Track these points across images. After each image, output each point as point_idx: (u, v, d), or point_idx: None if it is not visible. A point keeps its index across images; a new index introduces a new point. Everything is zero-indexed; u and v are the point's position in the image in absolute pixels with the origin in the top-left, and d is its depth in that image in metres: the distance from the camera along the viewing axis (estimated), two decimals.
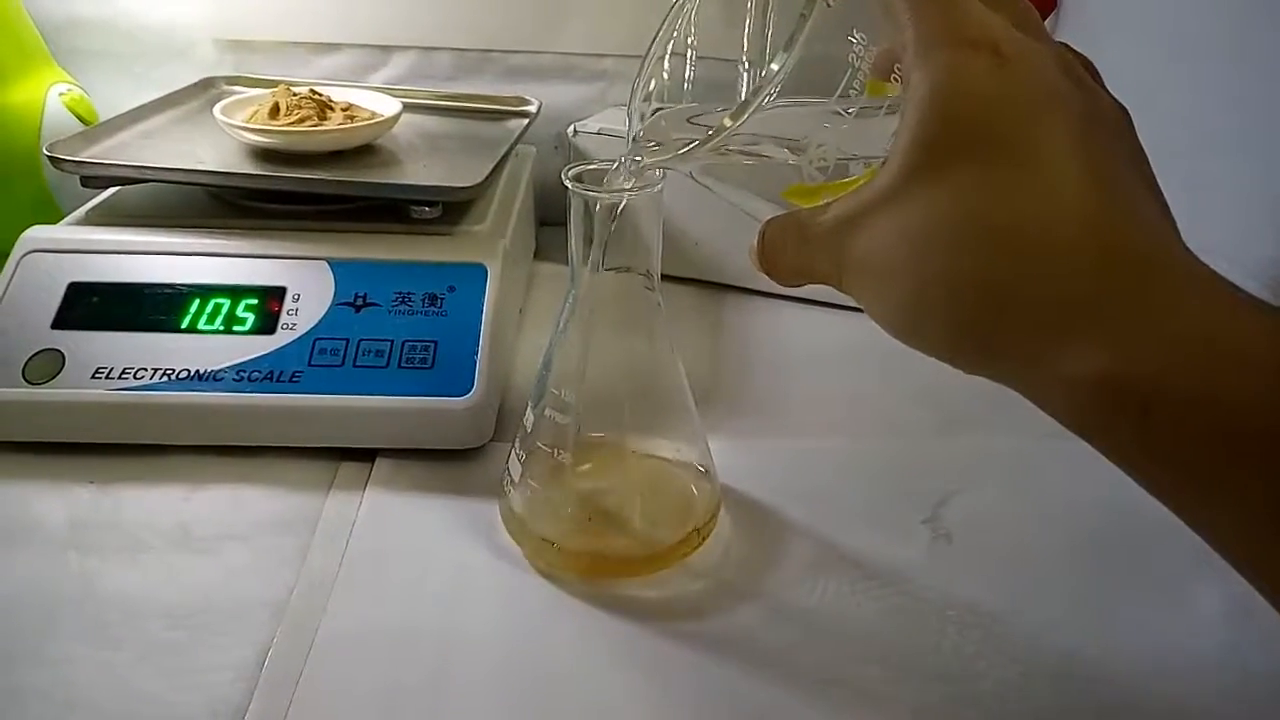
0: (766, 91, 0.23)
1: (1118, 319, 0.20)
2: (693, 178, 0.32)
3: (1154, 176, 0.23)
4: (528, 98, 0.63)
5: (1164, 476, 0.21)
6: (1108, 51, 0.51)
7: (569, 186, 0.34)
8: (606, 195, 0.34)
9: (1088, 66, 0.24)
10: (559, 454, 0.37)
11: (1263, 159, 0.40)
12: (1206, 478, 0.20)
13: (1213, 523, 0.21)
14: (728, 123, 0.24)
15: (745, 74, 0.70)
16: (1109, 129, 0.23)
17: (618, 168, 0.33)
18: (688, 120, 0.34)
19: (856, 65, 0.24)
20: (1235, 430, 0.19)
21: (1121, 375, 0.20)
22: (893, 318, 0.23)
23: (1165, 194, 0.23)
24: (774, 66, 0.23)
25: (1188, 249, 0.22)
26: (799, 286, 0.28)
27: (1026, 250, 0.21)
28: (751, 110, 0.23)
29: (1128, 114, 0.24)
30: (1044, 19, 0.58)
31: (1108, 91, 0.24)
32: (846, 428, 0.48)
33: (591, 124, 0.61)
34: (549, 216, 0.67)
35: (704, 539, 0.38)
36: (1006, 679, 0.33)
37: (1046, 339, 0.21)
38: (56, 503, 0.40)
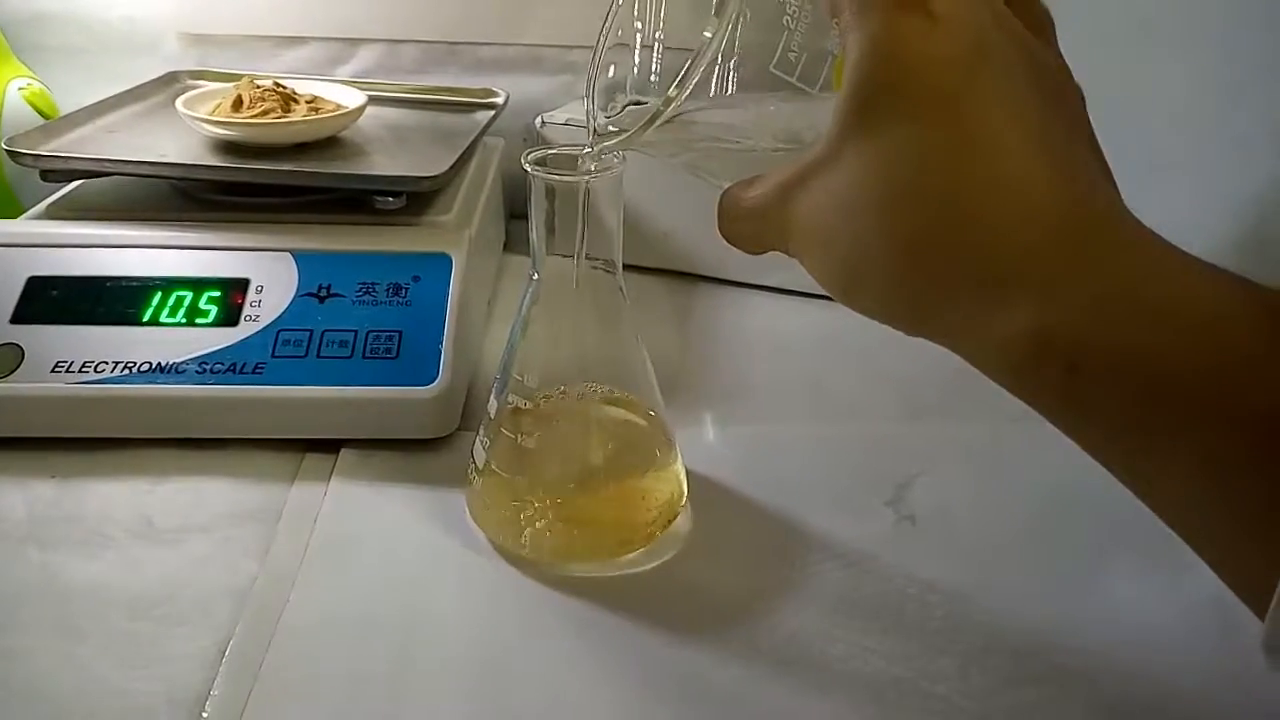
0: (708, 57, 0.23)
1: (1045, 275, 0.20)
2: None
3: (1093, 134, 0.23)
4: (495, 90, 0.63)
5: (1094, 433, 0.21)
6: (1072, 30, 0.52)
7: (529, 171, 0.34)
8: (566, 179, 0.34)
9: (1039, 23, 0.24)
10: (523, 439, 0.37)
11: (1222, 139, 0.40)
12: (1134, 434, 0.20)
13: (1141, 479, 0.21)
14: (672, 93, 0.24)
15: (717, 67, 0.70)
16: (1045, 86, 0.23)
17: (585, 155, 0.33)
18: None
19: (792, 28, 0.24)
20: (1160, 385, 0.19)
21: (1049, 331, 0.20)
22: (832, 279, 0.24)
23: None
24: (706, 34, 0.23)
25: (1124, 207, 0.22)
26: (761, 254, 0.28)
27: (956, 209, 0.21)
28: (695, 79, 0.23)
29: (1068, 71, 0.24)
30: None
31: (1055, 48, 0.24)
32: (812, 413, 0.48)
33: (559, 115, 0.61)
34: (520, 209, 0.67)
35: (670, 522, 0.39)
36: (967, 654, 0.33)
37: (977, 298, 0.21)
38: (16, 498, 0.40)
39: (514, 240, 0.66)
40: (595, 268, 0.36)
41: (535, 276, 0.37)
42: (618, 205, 0.36)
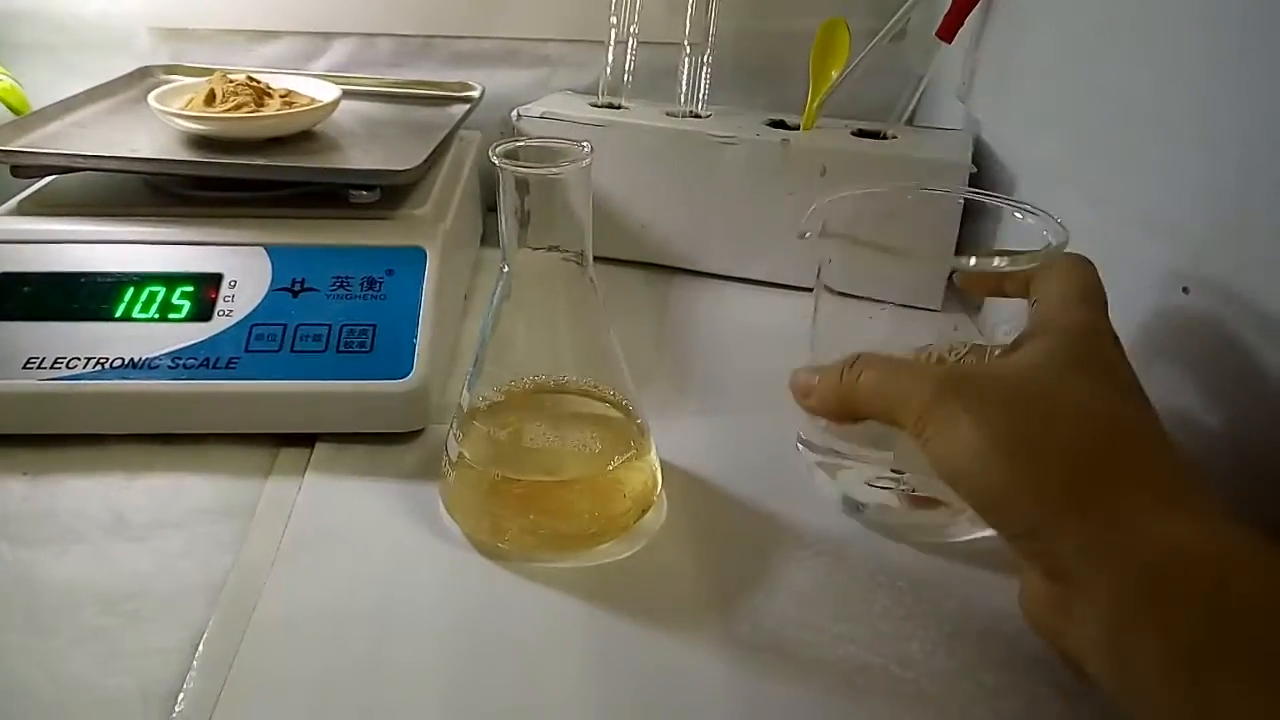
0: None
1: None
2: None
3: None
4: (470, 83, 0.63)
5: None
6: (1038, 31, 0.52)
7: (497, 163, 0.34)
8: (535, 171, 0.34)
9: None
10: (495, 432, 0.37)
11: (1179, 131, 0.41)
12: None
13: None
14: None
15: (686, 59, 0.70)
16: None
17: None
18: None
19: None
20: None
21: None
22: (978, 451, 0.28)
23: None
24: None
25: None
26: (835, 415, 0.35)
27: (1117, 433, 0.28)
28: None
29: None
30: (974, 5, 0.58)
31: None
32: (786, 403, 0.49)
33: (534, 108, 0.61)
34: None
35: (644, 513, 0.39)
36: (935, 638, 0.34)
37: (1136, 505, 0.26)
38: None
39: (491, 233, 0.66)
40: (566, 260, 0.37)
41: (506, 269, 0.37)
42: (587, 197, 0.36)
